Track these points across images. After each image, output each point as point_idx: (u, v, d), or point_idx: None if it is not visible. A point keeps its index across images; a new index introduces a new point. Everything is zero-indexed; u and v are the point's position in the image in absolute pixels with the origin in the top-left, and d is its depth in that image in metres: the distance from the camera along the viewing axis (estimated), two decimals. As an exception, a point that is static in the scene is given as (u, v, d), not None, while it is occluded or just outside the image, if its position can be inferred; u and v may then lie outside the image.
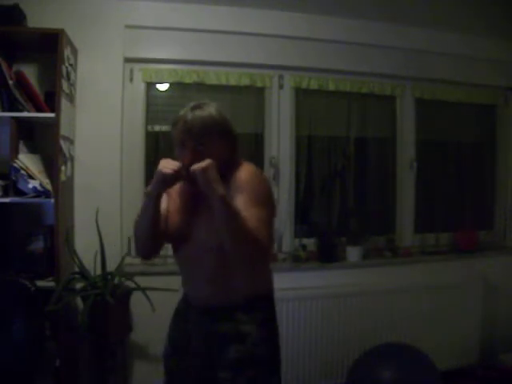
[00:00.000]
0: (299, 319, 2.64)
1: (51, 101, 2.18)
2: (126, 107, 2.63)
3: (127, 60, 2.62)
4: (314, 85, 2.91)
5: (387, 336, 2.72)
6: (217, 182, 1.28)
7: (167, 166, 1.34)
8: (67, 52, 2.24)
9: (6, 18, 2.16)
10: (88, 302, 2.13)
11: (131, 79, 2.68)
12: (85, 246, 2.39)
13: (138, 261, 2.59)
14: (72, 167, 2.44)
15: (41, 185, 2.17)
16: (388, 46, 2.95)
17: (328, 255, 2.84)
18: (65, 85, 2.23)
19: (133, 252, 2.54)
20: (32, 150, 2.32)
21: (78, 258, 2.32)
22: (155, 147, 2.80)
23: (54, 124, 2.16)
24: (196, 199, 1.44)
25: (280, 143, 2.90)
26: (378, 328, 2.74)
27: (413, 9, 2.87)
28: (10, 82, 2.12)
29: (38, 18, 2.32)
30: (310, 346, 2.67)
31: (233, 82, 2.78)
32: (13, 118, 2.18)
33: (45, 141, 2.35)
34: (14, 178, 2.14)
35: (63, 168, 2.25)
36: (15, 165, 2.14)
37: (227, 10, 2.69)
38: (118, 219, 2.56)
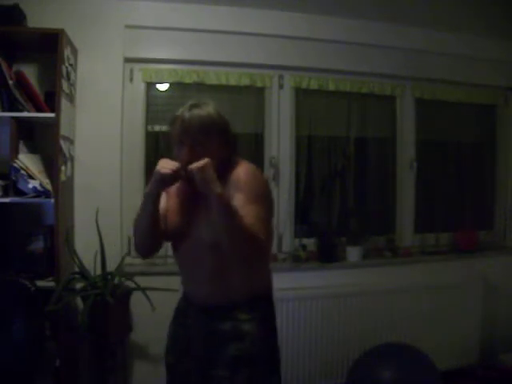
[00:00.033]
0: (299, 319, 2.64)
1: (51, 101, 2.18)
2: (126, 107, 2.63)
3: (127, 60, 2.62)
4: (314, 85, 2.91)
5: (387, 336, 2.72)
6: (214, 181, 1.29)
7: (165, 166, 1.34)
8: (67, 52, 2.24)
9: (6, 18, 2.16)
10: (88, 302, 2.13)
11: (131, 79, 2.68)
12: (85, 245, 2.39)
13: (138, 261, 2.59)
14: (72, 167, 2.44)
15: (41, 185, 2.17)
16: (388, 45, 2.95)
17: (328, 255, 2.84)
18: (65, 85, 2.23)
19: (133, 252, 2.54)
20: (32, 150, 2.32)
21: (78, 258, 2.32)
22: (155, 147, 2.80)
23: (54, 124, 2.16)
24: (195, 198, 1.44)
25: (280, 143, 2.90)
26: (377, 328, 2.74)
27: (413, 9, 2.87)
28: (10, 82, 2.12)
29: (38, 18, 2.32)
30: (310, 346, 2.67)
31: (233, 82, 2.78)
32: (13, 118, 2.18)
33: (45, 141, 2.35)
34: (13, 178, 2.14)
35: (63, 168, 2.25)
36: (15, 165, 2.14)
37: (227, 10, 2.69)
38: (118, 219, 2.56)
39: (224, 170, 1.40)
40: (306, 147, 3.03)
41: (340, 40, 2.87)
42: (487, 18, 3.02)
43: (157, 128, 2.82)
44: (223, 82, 2.76)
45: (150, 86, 2.76)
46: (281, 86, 2.89)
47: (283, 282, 2.44)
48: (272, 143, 2.90)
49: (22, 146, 2.24)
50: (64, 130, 2.22)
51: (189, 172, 1.32)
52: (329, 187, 3.09)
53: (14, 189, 2.15)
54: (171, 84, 2.79)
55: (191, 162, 1.32)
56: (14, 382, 1.93)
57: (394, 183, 3.17)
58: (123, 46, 2.58)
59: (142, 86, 2.71)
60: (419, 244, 3.15)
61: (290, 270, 2.76)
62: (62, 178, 2.23)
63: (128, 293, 2.36)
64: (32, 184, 2.15)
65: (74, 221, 2.48)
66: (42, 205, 2.39)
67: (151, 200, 1.39)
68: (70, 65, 2.32)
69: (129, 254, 2.57)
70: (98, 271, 2.33)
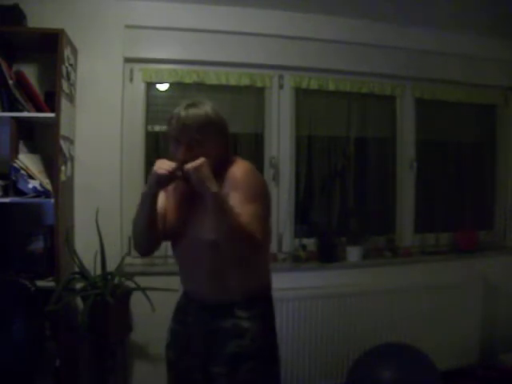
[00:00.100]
0: (299, 319, 2.64)
1: (51, 101, 2.18)
2: (125, 107, 2.63)
3: (127, 60, 2.62)
4: (314, 85, 2.91)
5: (387, 336, 2.72)
6: (210, 180, 1.30)
7: (162, 166, 1.35)
8: (67, 52, 2.24)
9: (6, 18, 2.16)
10: (88, 302, 2.13)
11: (131, 79, 2.68)
12: (85, 245, 2.39)
13: (138, 261, 2.59)
14: (72, 167, 2.44)
15: (41, 185, 2.17)
16: (388, 45, 2.95)
17: (328, 255, 2.84)
18: (65, 85, 2.23)
19: (133, 252, 2.54)
20: (32, 150, 2.32)
21: (78, 258, 2.32)
22: (155, 147, 2.80)
23: (54, 124, 2.16)
24: (192, 197, 1.45)
25: (280, 143, 2.90)
26: (377, 328, 2.74)
27: (413, 9, 2.87)
28: (10, 82, 2.12)
29: (38, 18, 2.32)
30: (309, 346, 2.66)
31: (233, 82, 2.78)
32: (13, 118, 2.18)
33: (45, 141, 2.35)
34: (13, 178, 2.14)
35: (63, 168, 2.25)
36: (15, 165, 2.14)
37: (227, 10, 2.69)
38: (118, 219, 2.56)
39: (221, 168, 1.41)
40: (306, 147, 3.03)
41: (340, 40, 2.87)
42: (487, 18, 3.01)
43: (157, 128, 2.82)
44: (223, 81, 2.76)
45: (150, 85, 2.76)
46: (281, 86, 2.89)
47: (283, 282, 2.43)
48: (272, 143, 2.89)
49: (22, 146, 2.24)
50: (64, 130, 2.22)
51: (185, 172, 1.32)
52: (329, 187, 3.09)
53: (13, 189, 2.15)
54: (171, 84, 2.79)
55: (188, 161, 1.33)
56: (13, 382, 1.93)
57: (394, 183, 3.17)
58: (123, 46, 2.58)
59: (142, 86, 2.71)
60: (419, 244, 3.15)
61: (289, 270, 2.76)
62: (62, 178, 2.23)
63: (128, 293, 2.36)
64: (32, 184, 2.15)
65: (73, 221, 2.48)
66: (42, 205, 2.39)
67: (148, 200, 1.40)
68: (70, 65, 2.32)
69: (129, 253, 2.57)
70: (98, 271, 2.33)
